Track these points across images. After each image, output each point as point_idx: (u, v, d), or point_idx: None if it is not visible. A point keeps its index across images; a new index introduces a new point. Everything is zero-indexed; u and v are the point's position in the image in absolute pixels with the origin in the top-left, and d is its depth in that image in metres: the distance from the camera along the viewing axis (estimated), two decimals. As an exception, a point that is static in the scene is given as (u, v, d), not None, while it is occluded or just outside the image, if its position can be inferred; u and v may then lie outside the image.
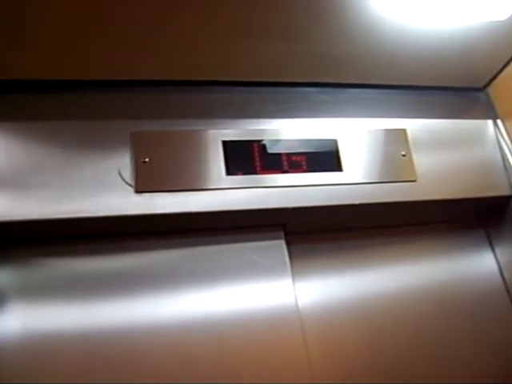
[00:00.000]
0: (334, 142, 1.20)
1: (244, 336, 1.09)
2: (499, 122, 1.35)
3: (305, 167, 1.16)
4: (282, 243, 1.19)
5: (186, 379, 1.03)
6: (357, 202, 1.17)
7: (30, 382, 0.96)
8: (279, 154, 1.16)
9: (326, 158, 1.18)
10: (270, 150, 1.16)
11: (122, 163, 1.07)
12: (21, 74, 1.07)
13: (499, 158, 1.32)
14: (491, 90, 1.38)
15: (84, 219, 1.02)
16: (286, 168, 1.15)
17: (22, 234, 1.04)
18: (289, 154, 1.16)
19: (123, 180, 1.05)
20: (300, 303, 1.15)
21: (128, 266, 1.10)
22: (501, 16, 1.11)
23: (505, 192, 1.29)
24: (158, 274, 1.10)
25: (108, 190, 1.04)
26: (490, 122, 1.35)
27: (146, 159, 1.07)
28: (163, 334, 1.06)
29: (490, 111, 1.37)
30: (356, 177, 1.18)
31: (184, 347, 1.05)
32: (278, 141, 1.17)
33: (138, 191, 1.05)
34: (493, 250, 1.38)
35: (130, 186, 1.05)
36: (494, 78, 1.35)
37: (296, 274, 1.18)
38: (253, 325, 1.11)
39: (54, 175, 1.03)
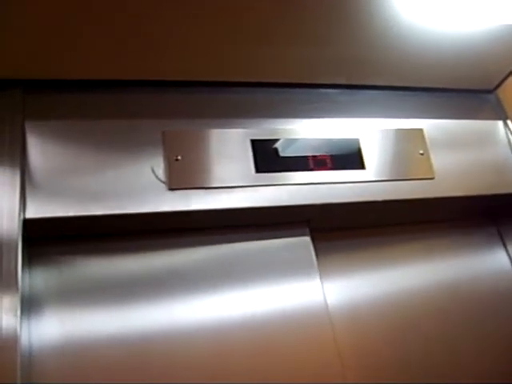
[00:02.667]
0: (357, 141, 1.24)
1: (275, 336, 1.11)
2: (509, 122, 1.40)
3: (329, 165, 1.19)
4: (307, 240, 1.22)
5: (220, 379, 1.04)
6: (379, 198, 1.20)
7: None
8: (305, 153, 1.19)
9: (349, 157, 1.22)
10: (296, 149, 1.19)
11: (155, 161, 1.09)
12: (55, 73, 1.08)
13: (510, 156, 1.37)
14: (501, 91, 1.43)
15: (119, 216, 1.04)
16: (311, 166, 1.18)
17: (58, 231, 1.05)
18: (314, 153, 1.19)
19: (156, 177, 1.08)
20: (328, 300, 1.18)
21: (161, 265, 1.12)
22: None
23: (516, 189, 1.34)
24: (190, 273, 1.12)
25: (142, 188, 1.06)
26: (500, 122, 1.41)
27: (179, 157, 1.10)
28: (198, 335, 1.07)
29: (500, 112, 1.42)
30: (378, 174, 1.22)
31: (218, 348, 1.07)
32: (303, 140, 1.20)
33: (171, 188, 1.07)
34: (505, 246, 1.43)
35: (164, 183, 1.07)
36: (504, 80, 1.40)
37: (322, 270, 1.21)
38: (283, 324, 1.13)
39: (89, 173, 1.05)
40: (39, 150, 1.04)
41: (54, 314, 1.02)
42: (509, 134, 1.39)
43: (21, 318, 0.89)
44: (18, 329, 0.88)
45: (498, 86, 1.43)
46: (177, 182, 1.08)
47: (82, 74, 1.10)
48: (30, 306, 0.99)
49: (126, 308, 1.06)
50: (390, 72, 1.29)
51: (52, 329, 1.00)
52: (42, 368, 0.96)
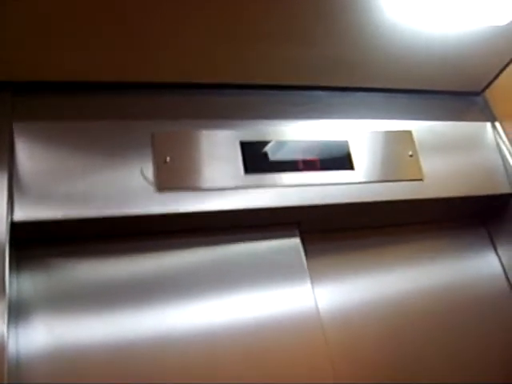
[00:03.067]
0: (346, 142, 1.24)
1: (266, 340, 1.11)
2: (497, 124, 1.41)
3: (319, 166, 1.19)
4: (297, 242, 1.22)
5: (211, 384, 1.03)
6: (368, 199, 1.21)
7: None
8: (294, 154, 1.19)
9: (338, 158, 1.22)
10: (286, 150, 1.19)
11: (144, 163, 1.08)
12: (44, 75, 1.08)
13: (499, 158, 1.38)
14: (488, 93, 1.44)
15: (108, 218, 1.03)
16: (301, 167, 1.18)
17: (47, 234, 1.04)
18: (303, 154, 1.20)
19: (145, 179, 1.07)
20: (319, 304, 1.18)
21: (151, 268, 1.11)
22: (501, 21, 1.17)
23: (505, 190, 1.35)
24: (179, 275, 1.12)
25: (130, 190, 1.06)
26: (488, 124, 1.42)
27: (168, 159, 1.09)
28: (188, 339, 1.06)
29: (488, 114, 1.43)
30: (368, 176, 1.23)
31: (208, 352, 1.06)
32: (292, 141, 1.21)
33: (160, 190, 1.07)
34: (494, 247, 1.43)
35: (152, 184, 1.07)
36: (491, 82, 1.42)
37: (312, 272, 1.20)
38: (273, 328, 1.12)
39: (77, 175, 1.04)
40: (27, 152, 1.03)
41: (42, 319, 1.00)
42: (497, 135, 1.40)
43: (8, 324, 0.88)
44: (6, 335, 0.87)
45: (486, 87, 1.44)
46: (166, 183, 1.08)
47: (71, 76, 1.10)
48: (17, 310, 0.98)
49: (115, 312, 1.05)
50: (379, 74, 1.30)
51: (40, 334, 0.99)
52: (29, 375, 0.95)
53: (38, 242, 1.04)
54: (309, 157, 1.20)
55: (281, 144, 1.19)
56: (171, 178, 1.09)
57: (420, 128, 1.34)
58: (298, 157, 1.19)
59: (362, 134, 1.27)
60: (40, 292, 1.03)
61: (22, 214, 0.98)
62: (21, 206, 0.98)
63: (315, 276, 1.21)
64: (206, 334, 1.08)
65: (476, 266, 1.41)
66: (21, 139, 1.04)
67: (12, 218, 0.97)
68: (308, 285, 1.18)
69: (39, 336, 0.99)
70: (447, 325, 1.30)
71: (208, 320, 1.09)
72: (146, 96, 1.15)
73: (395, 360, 1.21)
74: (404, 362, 1.22)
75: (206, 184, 1.10)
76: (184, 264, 1.13)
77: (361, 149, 1.25)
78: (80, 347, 1.00)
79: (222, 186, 1.11)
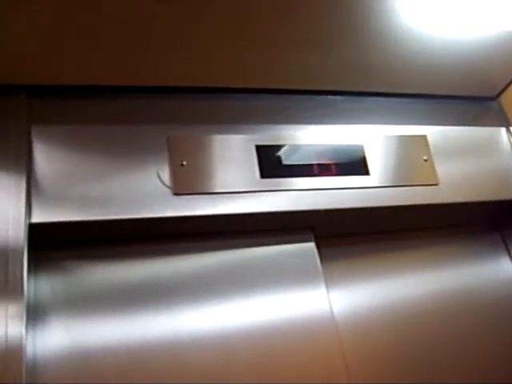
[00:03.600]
0: (361, 147, 1.24)
1: (281, 344, 1.11)
2: (512, 129, 1.41)
3: (334, 171, 1.19)
4: (312, 246, 1.22)
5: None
6: (383, 204, 1.21)
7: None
8: (310, 159, 1.19)
9: (353, 163, 1.22)
10: (301, 155, 1.19)
11: (160, 166, 1.09)
12: (61, 79, 1.09)
13: (513, 163, 1.37)
14: (503, 98, 1.44)
15: (124, 221, 1.04)
16: (316, 172, 1.18)
17: (64, 236, 1.05)
18: (318, 159, 1.20)
19: (162, 182, 1.08)
20: (334, 308, 1.18)
21: (166, 271, 1.11)
22: (517, 26, 1.17)
23: (519, 195, 1.34)
24: (195, 279, 1.12)
25: (147, 193, 1.06)
26: (503, 129, 1.42)
27: (184, 162, 1.10)
28: (203, 342, 1.06)
29: (502, 119, 1.43)
30: (383, 180, 1.23)
31: (222, 356, 1.06)
32: (308, 146, 1.21)
33: (176, 193, 1.07)
34: (508, 252, 1.43)
35: (169, 188, 1.07)
36: (506, 87, 1.41)
37: (327, 277, 1.21)
38: (288, 332, 1.12)
39: (94, 178, 1.05)
40: (45, 155, 1.04)
41: (59, 321, 1.01)
42: (511, 140, 1.39)
43: (26, 325, 0.89)
44: (24, 336, 0.87)
45: (501, 92, 1.44)
46: (182, 187, 1.08)
47: (88, 80, 1.10)
48: (35, 312, 0.99)
49: (131, 315, 1.05)
50: (394, 79, 1.30)
51: (57, 336, 1.00)
52: (46, 376, 0.96)
53: (55, 245, 1.05)
54: (324, 161, 1.20)
55: (296, 148, 1.20)
56: (187, 181, 1.09)
57: (435, 133, 1.34)
58: (313, 161, 1.19)
59: (377, 138, 1.27)
60: (57, 294, 1.03)
61: (39, 216, 0.99)
62: (38, 209, 0.99)
63: (330, 280, 1.21)
64: (221, 337, 1.08)
65: (490, 271, 1.41)
66: (38, 142, 1.05)
67: (30, 220, 0.97)
68: (323, 289, 1.18)
69: (56, 337, 1.00)
70: (460, 329, 1.29)
71: (222, 324, 1.10)
72: (162, 100, 1.16)
73: (409, 363, 1.21)
74: (418, 366, 1.21)
75: (222, 188, 1.11)
76: (199, 267, 1.14)
77: (376, 153, 1.25)
78: (96, 349, 1.01)
79: (238, 189, 1.12)
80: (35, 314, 0.99)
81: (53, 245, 1.05)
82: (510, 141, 1.40)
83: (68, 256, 1.07)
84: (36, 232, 0.98)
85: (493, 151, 1.38)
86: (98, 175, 1.05)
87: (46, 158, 1.04)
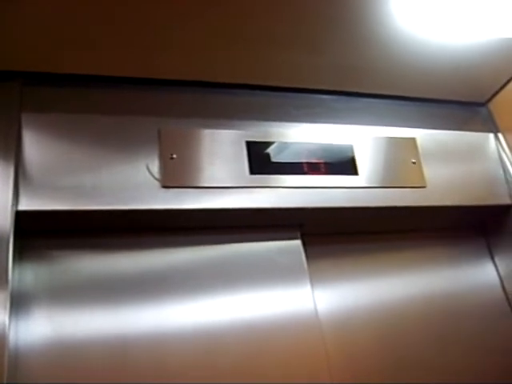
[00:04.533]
0: (350, 147, 1.25)
1: (264, 340, 1.11)
2: (500, 135, 1.42)
3: (323, 170, 1.20)
4: (299, 243, 1.22)
5: (208, 382, 1.04)
6: (371, 204, 1.21)
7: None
8: (300, 156, 1.20)
9: (342, 162, 1.23)
10: (291, 153, 1.20)
11: (150, 158, 1.09)
12: (54, 67, 1.09)
13: (500, 169, 1.39)
14: (492, 105, 1.45)
15: (112, 211, 1.04)
16: (305, 170, 1.19)
17: (50, 225, 1.04)
18: (308, 157, 1.20)
19: (151, 174, 1.08)
20: (318, 306, 1.18)
21: (152, 264, 1.11)
22: (509, 33, 1.18)
23: (505, 201, 1.36)
24: (181, 272, 1.12)
25: (136, 184, 1.06)
26: (491, 135, 1.43)
27: (174, 155, 1.10)
28: (186, 339, 1.06)
29: (491, 125, 1.45)
30: (371, 181, 1.23)
31: (206, 350, 1.06)
32: (298, 143, 1.21)
33: (165, 186, 1.07)
34: (492, 257, 1.44)
35: (158, 180, 1.07)
36: (496, 93, 1.43)
37: (313, 275, 1.21)
38: (272, 329, 1.13)
39: (83, 168, 1.04)
40: (34, 143, 1.04)
41: (43, 311, 1.00)
42: (499, 146, 1.41)
43: (10, 314, 0.88)
44: (7, 325, 0.87)
45: (490, 99, 1.45)
46: (171, 180, 1.08)
47: (81, 69, 1.10)
48: (19, 301, 0.98)
49: (116, 307, 1.05)
50: (385, 81, 1.31)
51: (41, 326, 0.99)
52: (29, 366, 0.95)
53: (41, 233, 1.05)
54: (314, 159, 1.20)
55: (286, 146, 1.20)
56: (176, 174, 1.09)
57: (424, 136, 1.35)
58: (303, 159, 1.20)
59: (366, 139, 1.28)
60: (42, 283, 1.03)
61: (26, 204, 0.98)
62: (26, 196, 0.99)
63: (315, 278, 1.21)
64: (205, 332, 1.08)
65: (473, 275, 1.42)
66: (29, 130, 1.04)
67: (17, 208, 0.97)
68: (308, 287, 1.18)
69: (39, 327, 0.99)
70: (443, 332, 1.30)
71: (207, 319, 1.10)
72: (154, 92, 1.16)
73: (392, 364, 1.22)
74: (401, 366, 1.22)
75: (211, 182, 1.11)
76: (185, 261, 1.14)
77: (365, 154, 1.26)
78: (80, 340, 1.00)
79: (227, 184, 1.12)
80: (19, 303, 0.98)
81: (39, 233, 1.04)
82: (497, 147, 1.41)
83: (54, 245, 1.06)
84: (23, 220, 0.98)
85: (480, 156, 1.40)
86: (88, 165, 1.05)
87: (35, 146, 1.04)
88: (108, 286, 1.06)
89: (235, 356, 1.08)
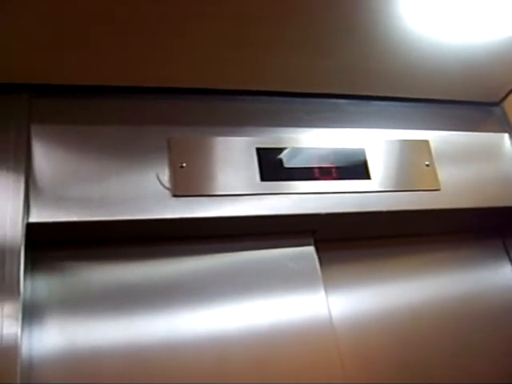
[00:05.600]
0: (362, 151, 1.24)
1: (278, 348, 1.10)
2: (515, 135, 1.40)
3: (335, 175, 1.19)
4: (312, 250, 1.21)
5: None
6: (384, 209, 1.20)
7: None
8: (311, 162, 1.18)
9: (355, 167, 1.22)
10: (302, 158, 1.19)
11: (160, 168, 1.08)
12: (62, 79, 1.08)
13: (516, 169, 1.36)
14: (506, 104, 1.43)
15: (122, 222, 1.03)
16: (317, 175, 1.17)
17: (61, 236, 1.04)
18: (320, 162, 1.19)
19: (161, 184, 1.07)
20: (333, 313, 1.17)
21: (165, 273, 1.11)
22: (522, 31, 1.16)
23: (521, 202, 1.33)
24: (194, 281, 1.11)
25: (146, 194, 1.05)
26: (506, 135, 1.41)
27: (184, 164, 1.09)
28: (201, 346, 1.05)
29: (505, 125, 1.42)
30: (384, 185, 1.22)
31: (220, 359, 1.06)
32: (309, 149, 1.20)
33: (176, 195, 1.07)
34: (510, 259, 1.42)
35: (168, 189, 1.07)
36: (510, 93, 1.40)
37: (327, 281, 1.20)
38: (286, 336, 1.11)
39: (93, 179, 1.04)
40: (44, 155, 1.04)
41: (55, 321, 1.00)
42: (514, 146, 1.39)
43: (22, 325, 0.88)
44: (19, 336, 0.87)
45: (504, 98, 1.43)
46: (181, 188, 1.07)
47: (89, 80, 1.10)
48: (31, 312, 0.98)
49: (128, 316, 1.05)
50: (397, 83, 1.29)
51: (53, 337, 0.99)
52: (42, 377, 0.95)
53: (53, 245, 1.05)
54: (325, 165, 1.19)
55: (297, 151, 1.19)
56: (187, 183, 1.09)
57: (437, 138, 1.33)
58: (314, 164, 1.18)
59: (379, 142, 1.27)
60: (54, 294, 1.03)
61: (37, 216, 0.98)
62: (37, 208, 0.99)
63: (329, 284, 1.20)
64: (219, 340, 1.07)
65: (491, 278, 1.40)
66: (38, 141, 1.04)
67: (28, 220, 0.97)
68: (322, 293, 1.17)
69: (52, 338, 0.99)
70: (460, 335, 1.29)
71: (220, 327, 1.09)
72: (163, 101, 1.15)
73: (407, 369, 1.20)
74: (415, 371, 1.20)
75: (222, 190, 1.10)
76: (197, 270, 1.13)
77: (377, 157, 1.24)
78: (92, 350, 1.00)
79: (238, 192, 1.11)
80: (31, 314, 0.98)
81: (50, 245, 1.04)
82: (512, 147, 1.39)
83: (65, 256, 1.06)
84: (34, 232, 0.97)
85: (495, 157, 1.37)
86: (97, 175, 1.05)
87: (45, 158, 1.04)
88: (120, 296, 1.06)
89: (248, 364, 1.07)
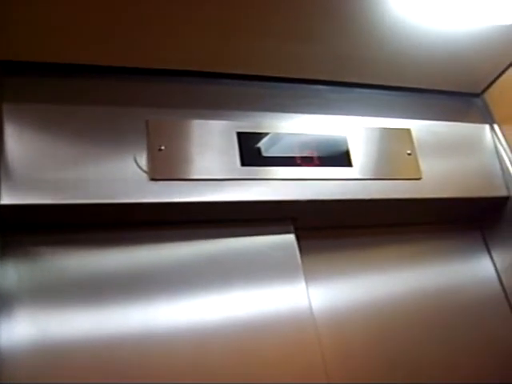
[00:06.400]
0: (344, 138, 1.22)
1: (257, 338, 1.08)
2: (496, 126, 1.40)
3: (316, 162, 1.17)
4: (292, 238, 1.19)
5: (200, 382, 1.00)
6: (366, 197, 1.18)
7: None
8: (292, 148, 1.16)
9: (336, 154, 1.20)
10: (283, 144, 1.16)
11: (138, 150, 1.05)
12: (36, 56, 1.04)
13: (496, 160, 1.36)
14: (488, 95, 1.43)
15: (98, 205, 1.00)
16: (298, 162, 1.15)
17: (34, 220, 1.00)
18: (301, 148, 1.17)
19: (138, 167, 1.04)
20: (313, 303, 1.15)
21: (141, 260, 1.07)
22: (505, 20, 1.16)
23: (501, 193, 1.33)
24: (171, 268, 1.08)
25: (123, 177, 1.02)
26: (487, 126, 1.41)
27: (162, 147, 1.06)
28: (177, 338, 1.02)
29: (486, 116, 1.42)
30: (365, 173, 1.20)
31: (197, 352, 1.03)
32: (291, 134, 1.18)
33: (154, 179, 1.03)
34: (488, 250, 1.42)
35: (146, 173, 1.04)
36: (491, 84, 1.40)
37: (307, 270, 1.17)
38: (265, 326, 1.09)
39: (68, 160, 1.00)
40: (16, 135, 0.99)
41: (26, 311, 0.96)
42: (495, 138, 1.39)
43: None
44: None
45: (486, 89, 1.43)
46: (159, 172, 1.04)
47: (65, 58, 1.06)
48: (0, 300, 0.94)
49: (103, 305, 1.01)
50: (379, 71, 1.28)
51: (24, 326, 0.95)
52: (12, 368, 0.91)
53: (25, 229, 1.00)
54: (306, 151, 1.17)
55: (278, 137, 1.17)
56: (165, 167, 1.05)
57: (419, 127, 1.32)
58: (296, 151, 1.16)
59: (360, 130, 1.25)
60: (25, 281, 0.99)
61: (9, 198, 0.94)
62: (8, 190, 0.94)
63: (309, 274, 1.18)
64: (196, 330, 1.04)
65: (470, 269, 1.40)
66: (10, 121, 1.00)
67: (-1, 202, 0.93)
68: (302, 282, 1.15)
69: (22, 328, 0.95)
70: (440, 326, 1.28)
71: (198, 316, 1.06)
72: (142, 82, 1.12)
73: (388, 360, 1.19)
74: (397, 363, 1.19)
75: (201, 174, 1.07)
76: (175, 257, 1.10)
77: (359, 145, 1.23)
78: (65, 341, 0.96)
79: (217, 177, 1.08)
80: (1, 303, 0.94)
81: (22, 229, 1.00)
82: (493, 138, 1.39)
83: (38, 241, 1.02)
84: (5, 214, 0.94)
85: (476, 148, 1.37)
86: (72, 157, 1.01)
87: (17, 138, 0.99)
88: (94, 284, 1.02)
89: (227, 354, 1.04)
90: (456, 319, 1.30)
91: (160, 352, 1.00)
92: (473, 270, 1.40)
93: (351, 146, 1.22)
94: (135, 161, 1.04)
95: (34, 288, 0.99)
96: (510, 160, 1.35)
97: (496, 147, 1.38)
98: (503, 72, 1.36)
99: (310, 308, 1.14)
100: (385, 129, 1.28)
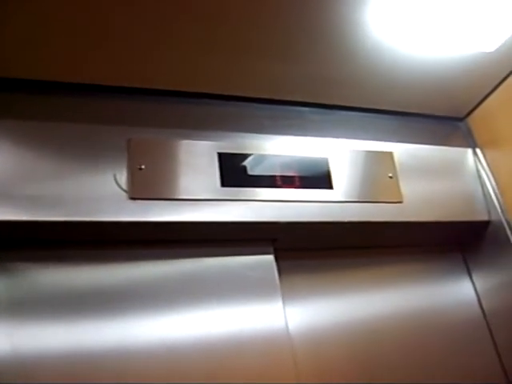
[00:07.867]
0: (326, 160, 1.23)
1: (232, 359, 1.07)
2: (478, 151, 1.40)
3: (297, 183, 1.17)
4: (271, 258, 1.19)
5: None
6: (346, 219, 1.19)
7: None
8: (273, 169, 1.17)
9: (317, 176, 1.20)
10: (264, 165, 1.17)
11: (118, 169, 1.05)
12: (16, 72, 1.05)
13: (478, 184, 1.37)
14: (471, 120, 1.44)
15: (75, 223, 1.00)
16: (278, 183, 1.16)
17: (10, 236, 1.00)
18: (282, 170, 1.17)
19: (118, 185, 1.04)
20: (290, 323, 1.15)
21: (117, 278, 1.08)
22: (489, 47, 1.17)
23: (483, 217, 1.34)
24: (147, 287, 1.08)
25: (102, 195, 1.02)
26: (469, 150, 1.41)
27: (142, 166, 1.06)
28: (152, 356, 1.02)
29: (469, 140, 1.43)
30: (346, 195, 1.21)
31: (172, 370, 1.03)
32: (271, 156, 1.18)
33: (133, 198, 1.04)
34: (469, 273, 1.43)
35: (125, 191, 1.04)
36: (474, 109, 1.41)
37: (285, 291, 1.18)
38: (241, 346, 1.09)
39: (46, 177, 1.01)
40: (-5, 150, 0.99)
41: (1, 325, 0.96)
42: (477, 162, 1.40)
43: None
44: None
45: (469, 114, 1.44)
46: (139, 191, 1.05)
47: (47, 76, 1.07)
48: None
49: (78, 322, 1.01)
50: (362, 93, 1.29)
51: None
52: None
53: (0, 245, 1.00)
54: (287, 173, 1.18)
55: (259, 158, 1.17)
56: (145, 186, 1.06)
57: (401, 150, 1.33)
58: (277, 172, 1.17)
59: (342, 152, 1.26)
60: (0, 296, 0.98)
61: (-15, 214, 0.94)
62: (-16, 206, 0.94)
63: (287, 294, 1.18)
64: (171, 348, 1.04)
65: (450, 292, 1.40)
66: (-11, 136, 1.00)
67: (-27, 218, 0.93)
68: (279, 303, 1.15)
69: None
70: (418, 348, 1.28)
71: (174, 334, 1.06)
72: (124, 101, 1.13)
73: (365, 381, 1.19)
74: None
75: (181, 194, 1.07)
76: (152, 276, 1.10)
77: (341, 167, 1.23)
78: (39, 356, 0.96)
79: (197, 197, 1.08)
80: (-26, 317, 0.94)
81: (-1, 244, 1.00)
82: (475, 162, 1.40)
83: (14, 257, 1.02)
84: (-20, 230, 0.93)
85: (458, 172, 1.38)
86: (52, 174, 1.01)
87: (-5, 154, 0.99)
88: (70, 301, 1.02)
89: (202, 374, 1.04)
90: (435, 341, 1.31)
91: (133, 369, 1.00)
92: (453, 292, 1.41)
93: (332, 168, 1.22)
94: (115, 179, 1.04)
95: (9, 303, 0.99)
96: (491, 184, 1.35)
97: (478, 171, 1.39)
98: (486, 97, 1.37)
99: (287, 328, 1.14)
100: (367, 151, 1.29)
